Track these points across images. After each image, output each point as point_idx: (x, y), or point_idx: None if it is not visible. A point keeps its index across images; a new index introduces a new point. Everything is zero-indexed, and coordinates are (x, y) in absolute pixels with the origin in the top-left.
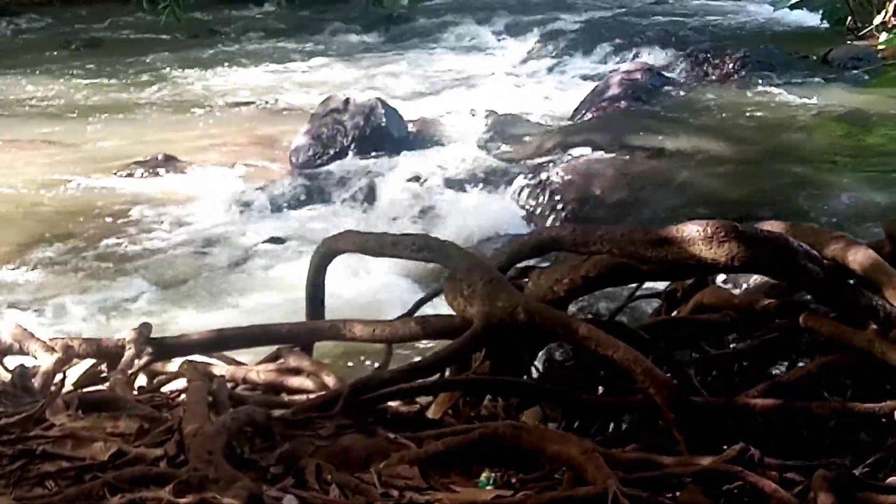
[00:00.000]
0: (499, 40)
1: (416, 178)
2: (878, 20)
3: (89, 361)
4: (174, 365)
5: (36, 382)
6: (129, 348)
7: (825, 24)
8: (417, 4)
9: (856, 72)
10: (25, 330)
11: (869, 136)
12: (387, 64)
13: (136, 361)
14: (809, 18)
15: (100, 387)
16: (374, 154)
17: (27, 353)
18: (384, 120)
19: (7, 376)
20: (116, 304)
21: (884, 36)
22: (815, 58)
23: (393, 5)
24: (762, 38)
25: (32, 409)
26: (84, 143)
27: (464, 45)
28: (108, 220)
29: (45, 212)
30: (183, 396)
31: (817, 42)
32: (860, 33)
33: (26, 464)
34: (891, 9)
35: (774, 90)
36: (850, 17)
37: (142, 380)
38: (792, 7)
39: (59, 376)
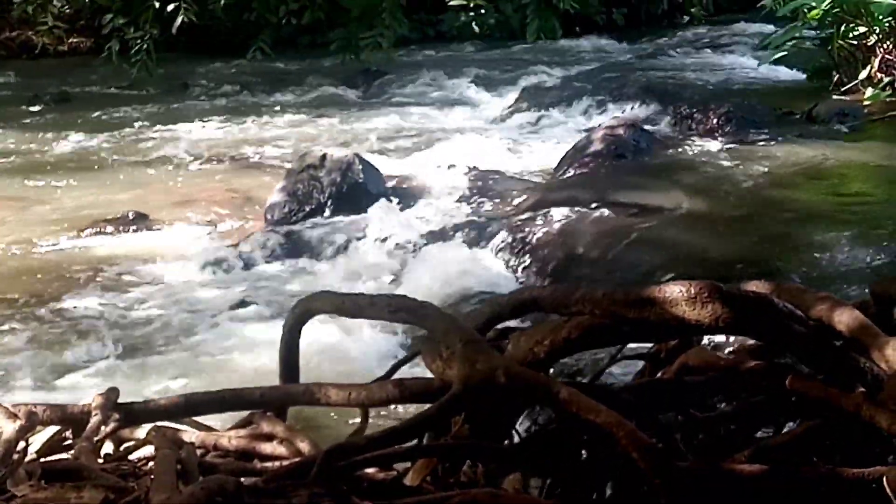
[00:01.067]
0: (479, 95)
1: (395, 236)
2: (863, 75)
3: (53, 428)
4: (142, 431)
5: None
6: (96, 414)
7: (810, 80)
8: (395, 57)
9: (841, 127)
10: None
11: (854, 193)
12: (365, 118)
13: (103, 428)
14: (794, 73)
15: (64, 455)
16: (351, 211)
17: None
18: (362, 176)
19: None
20: (83, 368)
21: (869, 91)
22: (799, 114)
23: (370, 60)
24: (746, 94)
25: None
26: (52, 200)
27: (444, 99)
28: (76, 279)
29: (10, 272)
30: (151, 465)
31: (802, 97)
32: (845, 88)
33: None
34: (876, 63)
35: (758, 146)
36: (835, 72)
37: (108, 447)
38: (776, 62)
39: (21, 444)
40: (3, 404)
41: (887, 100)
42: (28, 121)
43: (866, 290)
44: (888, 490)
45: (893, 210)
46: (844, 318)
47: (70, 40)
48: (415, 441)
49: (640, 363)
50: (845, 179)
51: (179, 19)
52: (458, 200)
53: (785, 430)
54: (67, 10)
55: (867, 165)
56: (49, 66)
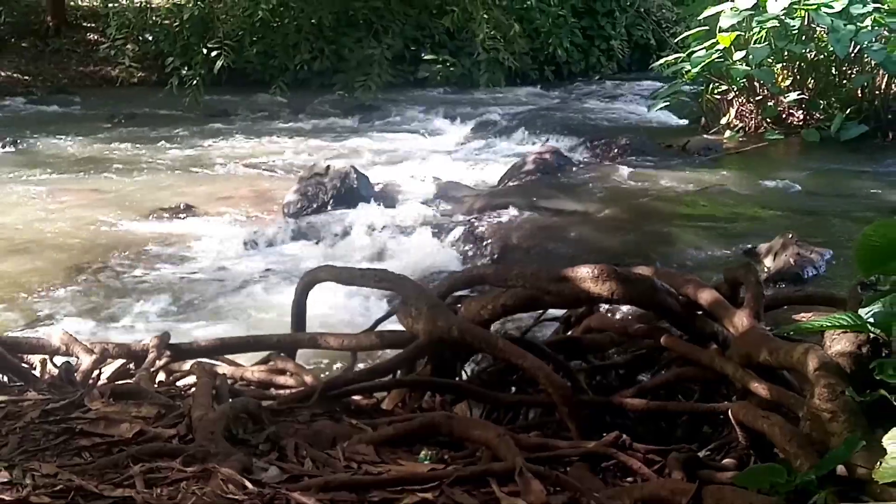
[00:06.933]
0: (444, 126)
1: (379, 227)
2: (724, 121)
3: (120, 361)
4: (187, 365)
5: (78, 376)
6: (152, 351)
7: (685, 123)
8: (382, 96)
9: (706, 158)
10: (71, 335)
11: (713, 204)
12: (359, 140)
13: (157, 362)
14: (674, 118)
15: (127, 381)
16: (348, 208)
17: (71, 354)
18: (356, 182)
19: (56, 371)
20: (142, 317)
21: (728, 133)
22: (676, 147)
23: (363, 96)
24: (639, 131)
25: (74, 396)
26: (122, 193)
27: (418, 128)
28: (139, 252)
29: (88, 245)
30: (193, 389)
31: (679, 135)
32: (711, 130)
33: (68, 439)
34: (733, 112)
35: (647, 169)
36: (703, 118)
37: (161, 376)
38: (662, 109)
39: (95, 372)
40: (83, 342)
41: (740, 139)
42: (105, 133)
43: (720, 275)
44: (732, 419)
45: (740, 218)
46: (704, 295)
47: (139, 75)
48: (390, 377)
49: (556, 324)
50: (707, 195)
51: (220, 62)
52: (427, 202)
53: (659, 375)
54: (139, 52)
55: (724, 185)
56: (122, 94)
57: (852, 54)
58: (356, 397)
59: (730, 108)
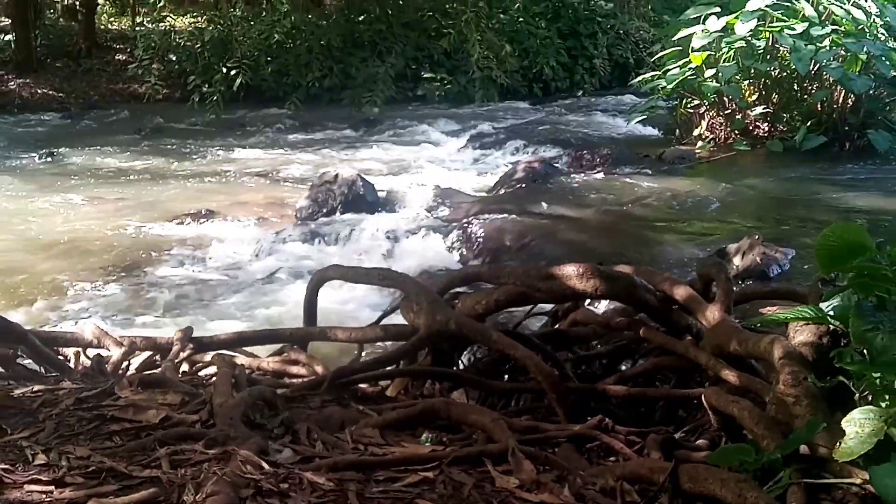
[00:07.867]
0: (442, 138)
1: (383, 230)
2: (696, 132)
3: (147, 353)
4: (208, 356)
5: (108, 367)
6: (176, 344)
7: (661, 134)
8: (386, 110)
9: (680, 166)
10: (102, 330)
11: (687, 209)
12: (365, 151)
13: (181, 354)
14: (651, 130)
15: (154, 371)
16: (355, 213)
17: (103, 347)
18: (362, 189)
19: (88, 362)
20: (167, 313)
21: (700, 143)
22: (653, 156)
23: (369, 111)
24: (619, 142)
25: (105, 385)
26: (147, 200)
27: (418, 140)
28: (163, 254)
29: (117, 247)
30: (214, 379)
31: (655, 146)
32: (684, 141)
33: (100, 424)
34: (704, 125)
35: (626, 177)
36: (677, 130)
37: (185, 367)
38: (639, 122)
39: (125, 363)
40: (112, 335)
41: (711, 149)
42: (132, 145)
43: (693, 272)
44: (705, 403)
45: (711, 221)
46: (680, 291)
47: (164, 92)
48: (394, 366)
49: (545, 318)
50: (681, 200)
51: (238, 80)
52: (426, 207)
53: (639, 364)
54: (163, 71)
55: (696, 191)
56: (149, 110)
57: (813, 72)
58: (363, 385)
59: (701, 120)
